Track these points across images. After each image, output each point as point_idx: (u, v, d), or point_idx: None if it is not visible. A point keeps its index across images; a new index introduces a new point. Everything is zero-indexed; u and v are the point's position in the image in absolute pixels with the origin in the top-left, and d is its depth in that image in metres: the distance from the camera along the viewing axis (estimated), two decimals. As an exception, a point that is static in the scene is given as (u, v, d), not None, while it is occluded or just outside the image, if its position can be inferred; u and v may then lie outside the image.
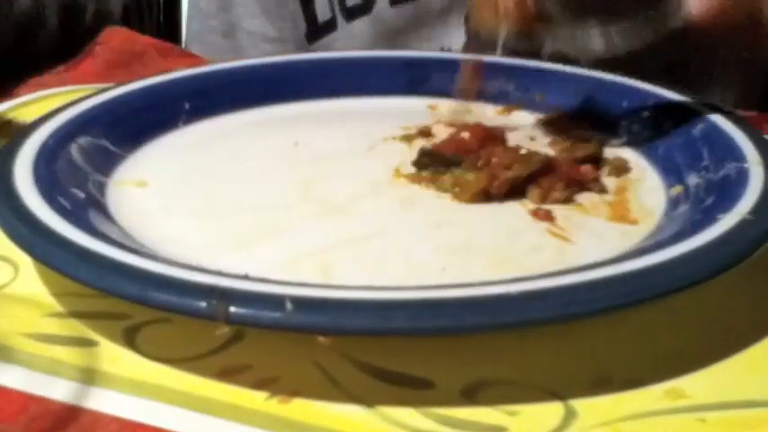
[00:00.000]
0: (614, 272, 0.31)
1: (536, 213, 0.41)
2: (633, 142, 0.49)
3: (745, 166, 0.41)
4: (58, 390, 0.31)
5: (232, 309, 0.29)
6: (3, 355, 0.33)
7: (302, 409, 0.30)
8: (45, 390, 0.31)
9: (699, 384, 0.31)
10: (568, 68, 0.55)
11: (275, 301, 0.29)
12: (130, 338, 0.34)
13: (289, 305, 0.29)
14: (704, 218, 0.37)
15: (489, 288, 0.30)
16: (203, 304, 0.29)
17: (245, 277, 0.32)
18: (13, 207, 0.36)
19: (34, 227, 0.34)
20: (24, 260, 0.39)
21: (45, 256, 0.33)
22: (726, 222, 0.35)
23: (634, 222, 0.41)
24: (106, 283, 0.31)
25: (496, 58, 0.51)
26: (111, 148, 0.47)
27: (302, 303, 0.29)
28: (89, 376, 0.32)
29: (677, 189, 0.43)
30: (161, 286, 0.30)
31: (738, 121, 0.46)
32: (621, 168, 0.47)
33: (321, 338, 0.30)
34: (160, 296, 0.30)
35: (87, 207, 0.40)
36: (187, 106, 0.52)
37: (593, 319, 0.32)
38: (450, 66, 0.56)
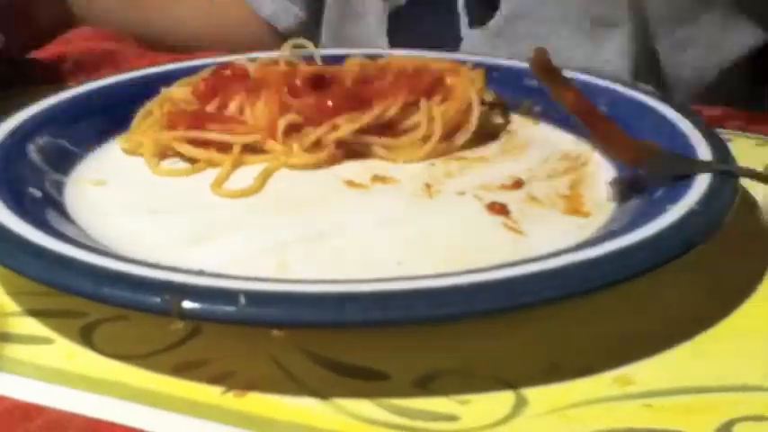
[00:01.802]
0: (562, 262, 0.32)
1: (492, 207, 0.42)
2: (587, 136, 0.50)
3: (695, 155, 0.42)
4: (18, 388, 0.31)
5: (186, 304, 0.30)
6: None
7: (258, 402, 0.31)
8: (4, 388, 0.31)
9: (646, 371, 0.32)
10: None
11: (229, 296, 0.30)
12: (87, 336, 0.34)
13: (242, 299, 0.30)
14: (653, 209, 0.37)
15: (440, 280, 0.31)
16: (157, 300, 0.30)
17: (200, 273, 0.32)
18: None
19: None
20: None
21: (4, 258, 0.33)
22: (674, 213, 0.36)
23: (587, 215, 0.42)
24: (60, 280, 0.31)
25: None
26: (70, 147, 0.47)
27: (256, 297, 0.30)
28: (46, 374, 0.32)
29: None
30: (115, 283, 0.31)
31: (689, 115, 0.47)
32: (577, 162, 0.48)
33: (275, 332, 0.30)
34: (114, 293, 0.30)
35: (44, 206, 0.40)
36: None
37: (543, 309, 0.33)
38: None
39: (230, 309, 0.29)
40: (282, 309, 0.30)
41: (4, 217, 0.35)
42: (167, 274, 0.31)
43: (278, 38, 0.76)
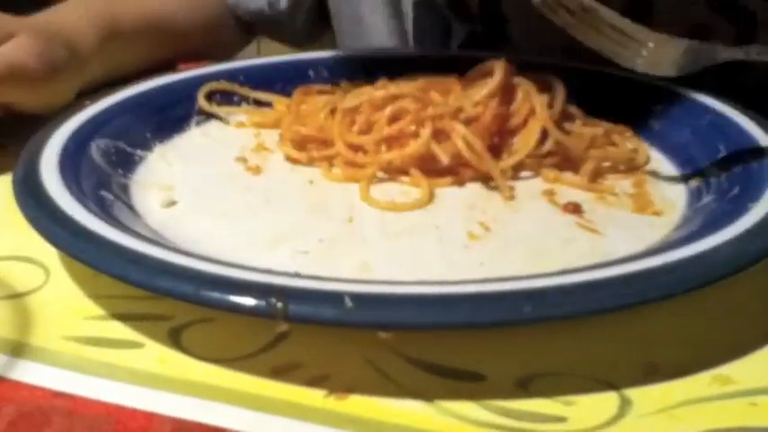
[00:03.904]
0: (666, 261, 0.32)
1: (565, 207, 0.42)
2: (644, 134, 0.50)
3: (765, 155, 0.42)
4: (113, 392, 0.31)
5: (291, 307, 0.29)
6: (48, 359, 0.33)
7: (361, 405, 0.30)
8: (100, 393, 0.31)
9: (744, 370, 0.32)
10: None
11: (334, 299, 0.30)
12: (176, 339, 0.34)
13: (348, 302, 0.29)
14: (735, 208, 0.37)
15: (547, 280, 0.31)
16: (263, 303, 0.29)
17: (296, 275, 0.32)
18: (62, 221, 0.35)
19: (88, 239, 0.34)
20: (54, 263, 0.39)
21: (106, 265, 0.32)
22: (758, 211, 0.36)
23: (658, 214, 0.42)
24: (164, 286, 0.31)
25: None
26: (128, 149, 0.47)
27: (361, 300, 0.30)
28: (140, 378, 0.32)
29: (696, 180, 0.44)
30: (218, 286, 0.30)
31: (745, 110, 0.47)
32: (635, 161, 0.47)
33: (382, 334, 0.30)
34: (218, 296, 0.30)
35: (116, 209, 0.39)
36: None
37: (637, 308, 0.33)
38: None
39: (337, 311, 0.29)
40: (390, 312, 0.29)
41: (98, 228, 0.34)
42: (267, 277, 0.31)
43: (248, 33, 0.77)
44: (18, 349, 0.33)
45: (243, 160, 0.48)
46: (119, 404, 0.31)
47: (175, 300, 0.32)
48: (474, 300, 0.29)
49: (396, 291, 0.30)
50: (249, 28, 0.77)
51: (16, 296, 0.37)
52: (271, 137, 0.51)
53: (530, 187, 0.44)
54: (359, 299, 0.30)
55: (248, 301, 0.30)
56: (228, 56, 0.74)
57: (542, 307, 0.29)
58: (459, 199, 0.43)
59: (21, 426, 0.29)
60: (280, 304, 0.29)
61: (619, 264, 0.32)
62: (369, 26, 0.72)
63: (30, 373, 0.32)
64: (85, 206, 0.36)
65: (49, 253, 0.39)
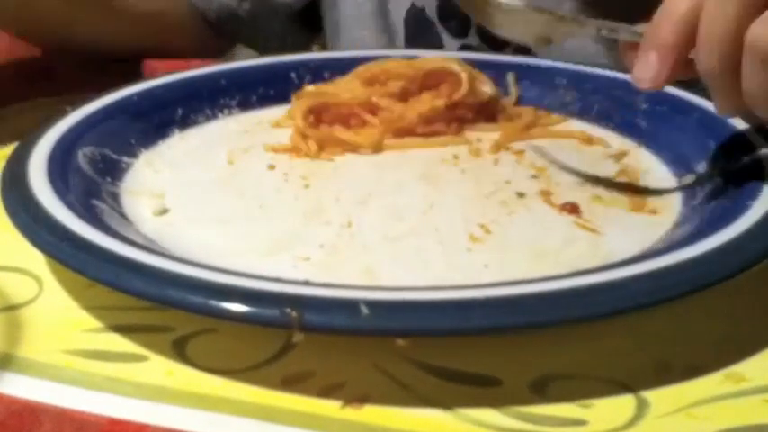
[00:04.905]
0: (675, 260, 0.32)
1: (563, 207, 0.42)
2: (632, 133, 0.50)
3: (758, 152, 0.42)
4: (121, 408, 0.30)
5: (307, 316, 0.29)
6: (47, 373, 0.32)
7: (377, 414, 0.30)
8: (107, 408, 0.30)
9: (756, 368, 0.32)
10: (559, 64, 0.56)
11: (350, 306, 0.29)
12: (181, 351, 0.33)
13: (364, 309, 0.29)
14: (735, 205, 0.37)
15: (564, 282, 0.31)
16: (276, 313, 0.29)
17: (307, 283, 0.31)
18: (61, 234, 0.34)
19: (91, 251, 0.33)
20: (47, 274, 0.38)
21: (111, 277, 0.31)
22: (759, 208, 0.36)
23: (654, 212, 0.42)
24: (173, 297, 0.30)
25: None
26: (114, 156, 0.46)
27: (378, 307, 0.29)
28: (148, 392, 0.31)
29: (689, 178, 0.44)
30: (231, 297, 0.30)
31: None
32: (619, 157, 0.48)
33: (399, 341, 0.30)
34: (230, 307, 0.29)
35: (109, 218, 0.38)
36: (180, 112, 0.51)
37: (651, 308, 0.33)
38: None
39: (353, 319, 0.29)
40: (407, 318, 0.29)
41: (97, 237, 0.33)
42: (279, 286, 0.30)
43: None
44: (12, 362, 0.32)
45: (231, 164, 0.47)
46: (130, 420, 0.30)
47: (180, 311, 0.31)
48: (493, 304, 0.29)
49: (411, 297, 0.30)
50: (220, 30, 0.75)
51: (9, 308, 0.36)
52: (258, 140, 0.50)
53: (526, 188, 0.44)
54: (374, 306, 0.29)
55: (262, 311, 0.29)
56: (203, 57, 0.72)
57: (565, 309, 0.29)
58: (455, 201, 0.43)
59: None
60: (294, 313, 0.29)
61: (630, 264, 0.32)
62: (356, 41, 0.71)
63: (28, 388, 0.31)
64: (82, 217, 0.35)
65: (40, 263, 0.38)
